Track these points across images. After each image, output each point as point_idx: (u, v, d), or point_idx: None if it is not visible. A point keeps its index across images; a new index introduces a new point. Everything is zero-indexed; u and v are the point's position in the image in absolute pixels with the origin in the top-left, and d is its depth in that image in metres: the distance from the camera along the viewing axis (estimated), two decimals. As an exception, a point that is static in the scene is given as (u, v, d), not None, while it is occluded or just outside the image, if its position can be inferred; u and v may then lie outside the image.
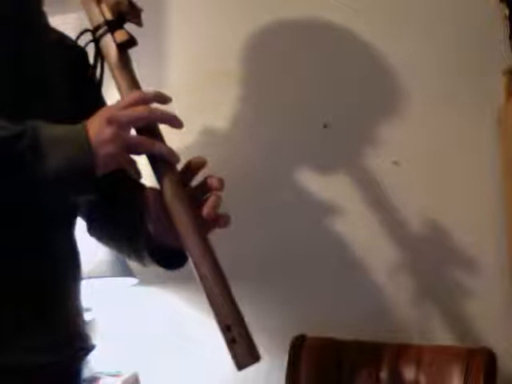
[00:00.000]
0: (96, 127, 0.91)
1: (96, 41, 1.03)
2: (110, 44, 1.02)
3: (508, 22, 1.65)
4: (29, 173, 0.89)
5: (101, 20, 1.02)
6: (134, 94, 0.97)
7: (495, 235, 1.66)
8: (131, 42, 1.01)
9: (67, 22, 1.47)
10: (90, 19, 1.04)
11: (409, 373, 1.56)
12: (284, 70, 1.91)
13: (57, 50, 1.13)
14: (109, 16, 1.02)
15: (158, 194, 0.96)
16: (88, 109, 0.99)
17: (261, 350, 0.92)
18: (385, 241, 1.77)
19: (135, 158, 0.97)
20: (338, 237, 1.81)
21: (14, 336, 0.97)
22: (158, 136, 0.97)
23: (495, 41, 1.68)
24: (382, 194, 1.78)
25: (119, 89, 1.01)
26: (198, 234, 0.93)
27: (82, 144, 0.90)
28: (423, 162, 1.76)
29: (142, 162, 0.97)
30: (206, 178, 0.99)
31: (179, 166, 0.98)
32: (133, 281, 1.86)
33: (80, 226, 1.20)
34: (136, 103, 0.94)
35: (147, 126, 0.96)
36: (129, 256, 1.19)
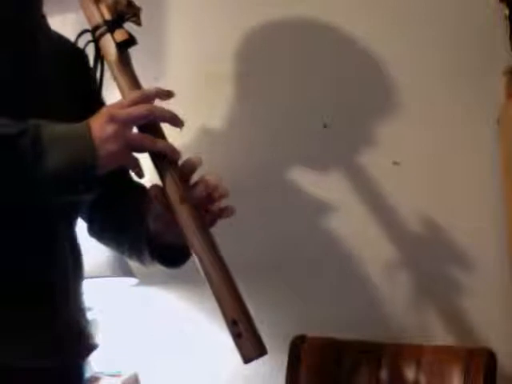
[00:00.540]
0: (98, 125, 0.92)
1: (95, 41, 1.04)
2: (109, 44, 1.02)
3: (508, 22, 1.65)
4: (31, 171, 0.89)
5: (100, 20, 1.03)
6: (136, 93, 0.97)
7: (495, 235, 1.66)
8: (131, 41, 1.02)
9: (66, 23, 1.47)
10: (89, 19, 1.04)
11: (409, 373, 1.56)
12: (284, 70, 1.91)
13: (57, 52, 1.13)
14: (108, 16, 1.02)
15: (161, 190, 0.97)
16: (88, 109, 1.00)
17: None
18: (385, 241, 1.77)
19: (138, 156, 0.97)
20: (337, 237, 1.81)
21: (16, 336, 0.98)
22: (160, 134, 0.98)
23: (495, 41, 1.68)
24: (382, 194, 1.78)
25: (120, 88, 1.01)
26: (201, 229, 0.94)
27: (85, 142, 0.91)
28: (423, 162, 1.76)
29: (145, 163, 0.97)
30: (202, 176, 1.00)
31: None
32: (133, 281, 1.86)
33: (80, 226, 1.20)
34: (138, 102, 0.95)
35: (149, 123, 0.96)
36: (129, 256, 1.19)
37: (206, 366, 1.88)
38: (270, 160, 1.89)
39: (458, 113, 1.73)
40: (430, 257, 1.73)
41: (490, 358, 1.50)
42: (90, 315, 1.19)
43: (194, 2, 2.02)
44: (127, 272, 1.82)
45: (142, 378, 1.89)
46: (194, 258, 0.95)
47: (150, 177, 0.99)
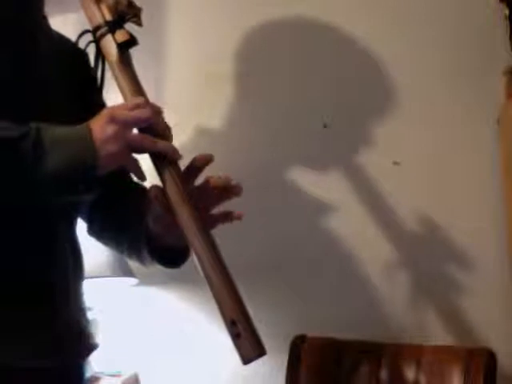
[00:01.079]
0: (99, 126, 0.92)
1: (96, 41, 1.04)
2: (110, 44, 1.02)
3: (508, 22, 1.65)
4: (32, 172, 0.89)
5: (101, 20, 1.03)
6: (139, 98, 0.98)
7: (495, 235, 1.66)
8: (132, 41, 1.02)
9: (67, 23, 1.47)
10: (90, 20, 1.04)
11: (409, 373, 1.56)
12: (284, 70, 1.91)
13: (57, 52, 1.13)
14: (108, 16, 1.03)
15: (161, 191, 0.97)
16: (89, 110, 1.00)
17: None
18: (385, 240, 1.77)
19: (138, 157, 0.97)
20: (337, 236, 1.81)
21: (16, 336, 0.98)
22: (160, 134, 0.98)
23: (495, 41, 1.68)
24: (381, 194, 1.78)
25: (120, 88, 1.01)
26: (201, 230, 0.94)
27: (86, 143, 0.91)
28: (423, 161, 1.76)
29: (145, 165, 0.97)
30: (208, 179, 1.00)
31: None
32: (133, 281, 1.86)
33: (80, 226, 1.20)
34: (139, 106, 0.96)
35: (149, 125, 0.96)
36: (129, 255, 1.19)
37: (206, 366, 1.88)
38: (270, 160, 1.89)
39: (458, 113, 1.73)
40: (429, 257, 1.73)
41: (490, 357, 1.50)
42: (90, 315, 1.19)
43: (193, 2, 2.02)
44: (127, 272, 1.82)
45: (142, 378, 1.89)
46: (194, 259, 0.95)
47: (150, 178, 1.00)
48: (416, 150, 1.77)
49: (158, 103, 1.00)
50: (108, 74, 1.05)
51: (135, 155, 0.96)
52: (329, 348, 1.66)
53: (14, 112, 0.95)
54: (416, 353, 1.57)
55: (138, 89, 1.01)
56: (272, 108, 1.91)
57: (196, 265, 0.94)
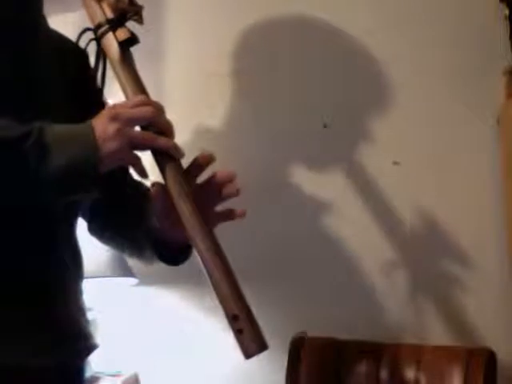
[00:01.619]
0: (101, 124, 0.93)
1: (97, 39, 1.04)
2: (111, 42, 1.02)
3: (508, 22, 1.65)
4: (34, 172, 0.89)
5: (102, 18, 1.03)
6: (141, 96, 0.98)
7: (495, 235, 1.66)
8: (133, 39, 1.02)
9: (67, 22, 1.47)
10: (91, 18, 1.04)
11: (409, 373, 1.56)
12: (283, 69, 1.91)
13: (57, 52, 1.13)
14: (110, 14, 1.03)
15: (163, 188, 0.97)
16: (89, 110, 1.00)
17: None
18: (385, 241, 1.77)
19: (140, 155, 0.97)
20: (337, 237, 1.81)
21: (16, 336, 0.98)
22: (162, 132, 0.98)
23: (495, 41, 1.68)
24: (382, 194, 1.78)
25: (122, 86, 1.02)
26: (203, 227, 0.94)
27: (88, 141, 0.91)
28: (423, 161, 1.76)
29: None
30: (215, 173, 1.00)
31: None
32: (133, 281, 1.86)
33: (80, 226, 1.20)
34: (141, 104, 0.96)
35: (151, 122, 0.97)
36: (130, 254, 1.19)
37: (206, 366, 1.88)
38: (270, 160, 1.89)
39: (458, 113, 1.73)
40: (429, 257, 1.73)
41: (490, 357, 1.50)
42: (90, 315, 1.19)
43: (193, 2, 2.02)
44: (127, 272, 1.82)
45: (142, 378, 1.89)
46: (196, 254, 0.95)
47: (152, 175, 1.00)
48: (416, 150, 1.77)
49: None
50: (109, 73, 1.05)
51: (137, 152, 0.97)
52: (329, 348, 1.66)
53: (14, 112, 0.95)
54: (416, 353, 1.57)
55: (139, 87, 1.01)
56: (272, 108, 1.91)
57: (198, 260, 0.94)
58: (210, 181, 1.01)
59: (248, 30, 1.92)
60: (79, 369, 1.13)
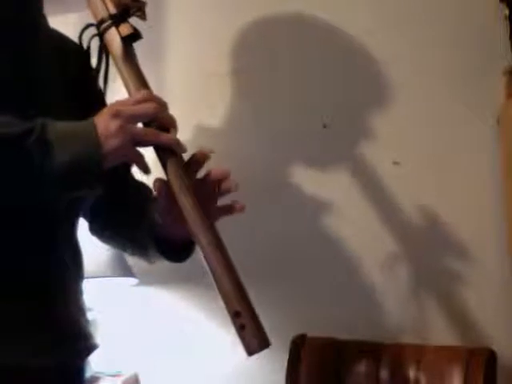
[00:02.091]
0: (103, 121, 0.93)
1: (100, 35, 1.04)
2: (114, 38, 1.02)
3: (508, 22, 1.65)
4: (37, 169, 0.89)
5: (105, 14, 1.03)
6: (142, 92, 0.98)
7: (495, 235, 1.66)
8: (136, 35, 1.02)
9: (68, 23, 1.47)
10: (94, 13, 1.04)
11: (409, 373, 1.56)
12: (283, 69, 1.91)
13: (57, 51, 1.13)
14: (113, 9, 1.02)
15: (165, 184, 0.97)
16: (89, 108, 1.00)
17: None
18: (385, 241, 1.77)
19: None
20: (337, 236, 1.81)
21: (16, 336, 0.98)
22: (164, 128, 0.98)
23: (495, 41, 1.68)
24: (382, 194, 1.78)
25: (124, 82, 1.02)
26: (205, 222, 0.94)
27: (90, 138, 0.91)
28: (423, 161, 1.76)
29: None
30: (210, 171, 1.00)
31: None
32: (133, 281, 1.86)
33: (80, 226, 1.20)
34: (143, 101, 0.96)
35: (154, 118, 0.97)
36: (132, 253, 1.19)
37: (206, 366, 1.87)
38: (270, 160, 1.89)
39: (458, 112, 1.73)
40: (430, 257, 1.73)
41: (491, 357, 1.50)
42: (90, 315, 1.19)
43: (193, 2, 2.02)
44: (127, 272, 1.82)
45: (142, 378, 1.89)
46: (198, 250, 0.95)
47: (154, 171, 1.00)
48: (416, 149, 1.77)
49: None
50: (112, 70, 1.05)
51: (140, 149, 0.97)
52: (329, 348, 1.66)
53: (14, 111, 0.95)
54: (416, 353, 1.58)
55: (142, 82, 1.01)
56: (272, 108, 1.91)
57: (200, 256, 0.94)
58: (206, 179, 1.01)
59: (248, 29, 1.92)
60: (79, 369, 1.13)
